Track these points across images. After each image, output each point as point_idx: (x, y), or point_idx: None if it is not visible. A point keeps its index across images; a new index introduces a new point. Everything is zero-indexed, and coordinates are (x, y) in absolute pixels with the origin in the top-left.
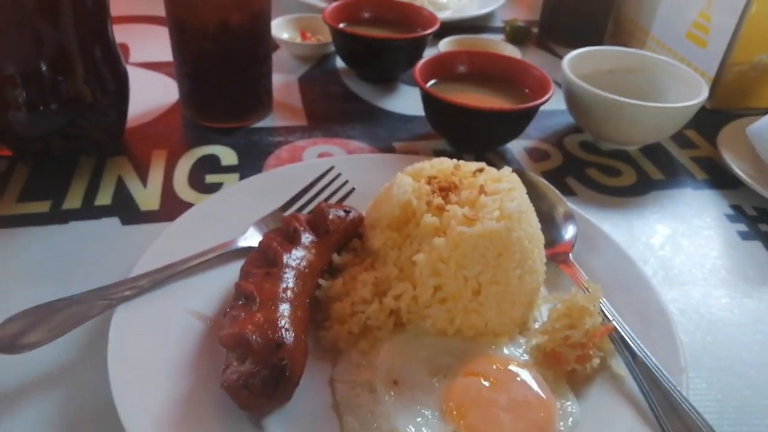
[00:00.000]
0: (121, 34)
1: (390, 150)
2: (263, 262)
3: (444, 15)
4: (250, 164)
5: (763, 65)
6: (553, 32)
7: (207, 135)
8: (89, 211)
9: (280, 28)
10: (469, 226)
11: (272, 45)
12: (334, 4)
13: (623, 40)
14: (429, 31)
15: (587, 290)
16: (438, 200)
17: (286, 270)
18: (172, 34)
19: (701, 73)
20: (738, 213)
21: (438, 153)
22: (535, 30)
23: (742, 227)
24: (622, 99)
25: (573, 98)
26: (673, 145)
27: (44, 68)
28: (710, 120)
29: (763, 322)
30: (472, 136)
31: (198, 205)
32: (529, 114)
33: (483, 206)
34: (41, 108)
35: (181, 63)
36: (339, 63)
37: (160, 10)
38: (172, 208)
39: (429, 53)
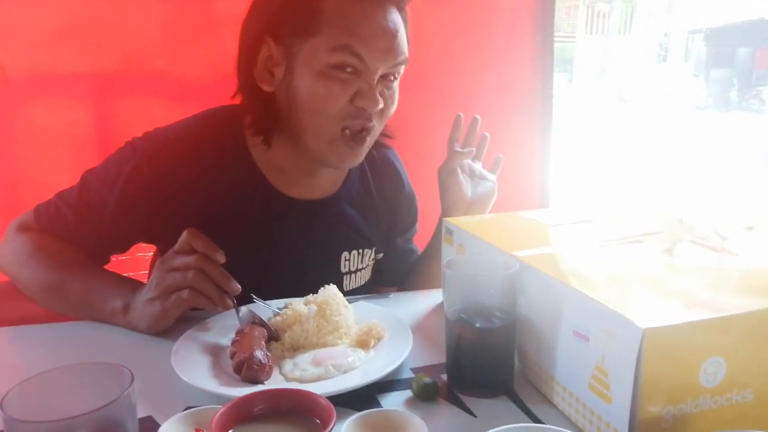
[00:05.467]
0: None
1: None
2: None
3: (354, 380)
4: None
5: (672, 416)
6: (460, 383)
7: None
8: None
9: (172, 429)
10: None
11: None
12: (222, 409)
13: (533, 383)
14: (330, 427)
15: None
16: None
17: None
18: None
19: (613, 429)
20: None
21: None
22: (444, 376)
23: None
24: None
25: None
26: None
27: None
28: None
29: None
30: None
31: None
32: None
33: None
34: None
35: None
36: None
37: None
38: None
39: None
